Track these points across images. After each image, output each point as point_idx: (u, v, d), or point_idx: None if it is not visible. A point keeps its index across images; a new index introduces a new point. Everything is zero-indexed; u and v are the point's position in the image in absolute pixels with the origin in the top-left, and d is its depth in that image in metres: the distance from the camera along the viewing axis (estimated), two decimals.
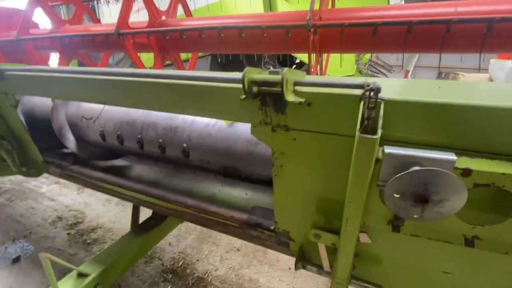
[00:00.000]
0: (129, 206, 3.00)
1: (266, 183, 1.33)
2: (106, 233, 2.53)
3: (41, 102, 2.03)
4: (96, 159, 1.92)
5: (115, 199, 3.09)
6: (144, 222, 2.02)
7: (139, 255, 1.87)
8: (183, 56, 3.01)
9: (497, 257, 0.73)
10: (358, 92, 0.67)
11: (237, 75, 0.78)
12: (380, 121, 0.63)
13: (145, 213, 1.91)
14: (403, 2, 4.47)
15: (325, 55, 2.43)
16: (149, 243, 1.95)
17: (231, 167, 1.33)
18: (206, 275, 2.08)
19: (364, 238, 0.84)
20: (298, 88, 0.75)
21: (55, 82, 1.35)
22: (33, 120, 1.95)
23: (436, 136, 0.64)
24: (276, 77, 0.70)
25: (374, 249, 0.91)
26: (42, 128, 1.88)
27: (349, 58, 4.57)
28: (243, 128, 1.26)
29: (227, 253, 2.32)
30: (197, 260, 2.23)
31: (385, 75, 5.84)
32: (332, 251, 0.94)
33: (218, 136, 1.30)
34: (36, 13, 2.98)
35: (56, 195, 3.17)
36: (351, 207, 0.73)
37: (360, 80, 0.66)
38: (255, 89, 0.75)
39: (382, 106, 0.65)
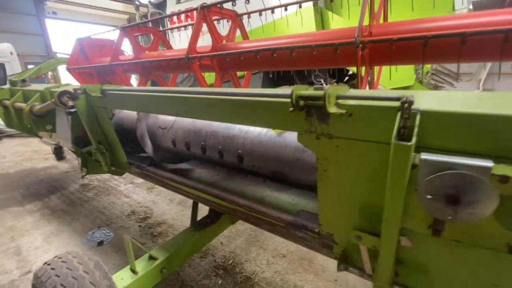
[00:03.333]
0: (188, 206, 3.36)
1: (311, 188, 1.43)
2: (169, 228, 2.88)
3: (128, 115, 2.50)
4: (167, 162, 2.27)
5: (177, 200, 3.50)
6: (201, 219, 2.27)
7: (196, 248, 2.11)
8: (239, 73, 3.33)
9: None
10: (395, 104, 0.75)
11: (286, 91, 0.93)
12: (415, 130, 0.70)
13: (201, 213, 2.15)
14: (471, 7, 4.10)
15: (376, 68, 2.43)
16: (205, 239, 2.18)
17: (279, 172, 1.47)
18: (253, 276, 2.21)
19: (404, 241, 0.88)
20: (340, 101, 0.86)
21: (141, 98, 1.70)
22: (121, 129, 2.41)
23: (473, 144, 0.68)
24: (319, 93, 0.83)
25: (418, 256, 0.93)
26: (126, 136, 2.31)
27: (407, 68, 4.34)
28: (291, 137, 1.40)
29: (273, 257, 2.42)
30: (246, 260, 2.39)
31: (451, 84, 5.31)
32: (374, 255, 0.99)
33: (269, 143, 1.46)
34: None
35: (130, 193, 3.73)
36: (389, 209, 0.80)
37: (397, 93, 0.75)
38: (301, 102, 0.89)
39: (418, 116, 0.72)
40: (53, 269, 1.36)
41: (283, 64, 2.09)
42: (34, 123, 3.09)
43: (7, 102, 3.42)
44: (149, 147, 2.19)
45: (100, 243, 2.65)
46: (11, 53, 9.80)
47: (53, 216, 3.18)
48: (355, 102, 0.84)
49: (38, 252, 2.53)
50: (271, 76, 6.14)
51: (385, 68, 2.72)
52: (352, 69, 5.07)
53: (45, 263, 1.46)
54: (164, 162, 2.28)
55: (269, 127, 1.18)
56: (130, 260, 1.69)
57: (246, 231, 2.80)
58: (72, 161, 5.20)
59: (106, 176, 4.33)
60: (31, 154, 5.66)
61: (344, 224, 1.07)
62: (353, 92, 0.90)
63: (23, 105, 3.08)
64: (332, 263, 2.34)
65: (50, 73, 10.86)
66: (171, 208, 3.31)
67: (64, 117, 2.50)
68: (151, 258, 1.82)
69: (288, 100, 0.91)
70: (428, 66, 4.71)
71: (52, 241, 2.70)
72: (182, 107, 1.47)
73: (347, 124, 0.88)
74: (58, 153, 5.20)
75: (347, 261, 1.15)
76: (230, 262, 2.36)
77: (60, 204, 3.47)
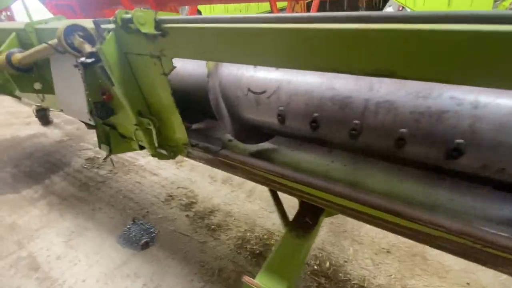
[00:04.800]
0: (237, 186, 2.71)
1: None
2: (227, 217, 2.27)
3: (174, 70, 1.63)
4: (245, 141, 1.54)
5: (219, 177, 2.82)
6: (297, 219, 1.65)
7: (304, 261, 1.55)
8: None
9: None
10: None
11: None
12: None
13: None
14: None
15: None
16: (310, 245, 1.60)
17: None
18: (366, 283, 1.72)
19: None
20: None
21: (246, 38, 0.88)
22: None
23: None
24: None
25: None
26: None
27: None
28: None
29: (377, 255, 1.93)
30: (345, 261, 1.88)
31: None
32: None
33: None
34: None
35: (156, 169, 2.98)
36: None
37: None
38: None
39: None
40: None
41: None
42: (13, 79, 2.10)
43: None
44: (227, 121, 1.43)
45: (145, 245, 2.00)
46: None
47: (65, 206, 2.43)
48: None
49: (63, 263, 1.86)
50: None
51: None
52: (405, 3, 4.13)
53: None
54: (244, 141, 1.55)
55: None
56: None
57: (325, 219, 2.25)
58: (62, 126, 4.20)
59: None
60: (7, 117, 4.53)
61: None
62: None
63: None
64: (451, 259, 1.90)
65: (3, 13, 8.74)
66: (216, 188, 2.65)
67: (73, 72, 1.58)
68: None
69: None
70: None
71: (76, 244, 2.02)
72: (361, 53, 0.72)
73: None
74: (43, 116, 4.15)
75: None
76: (327, 264, 1.84)
77: (69, 188, 2.69)
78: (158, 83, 1.31)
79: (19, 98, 3.14)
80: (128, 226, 2.18)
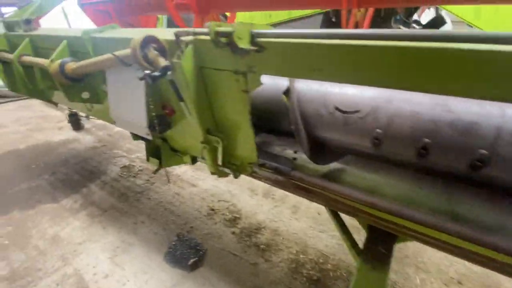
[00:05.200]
0: (279, 200, 2.59)
1: None
2: (276, 236, 2.14)
3: None
4: (321, 162, 1.42)
5: (260, 190, 2.70)
6: (368, 248, 1.50)
7: None
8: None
9: None
10: None
11: None
12: None
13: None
14: None
15: None
16: (387, 277, 1.46)
17: None
18: None
19: None
20: None
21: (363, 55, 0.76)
22: None
23: None
24: None
25: None
26: None
27: None
28: None
29: (447, 286, 1.76)
30: None
31: None
32: None
33: None
34: None
35: (193, 179, 2.90)
36: None
37: None
38: None
39: None
40: None
41: None
42: (63, 88, 2.05)
43: (10, 56, 2.30)
44: (303, 139, 1.32)
45: (194, 266, 1.90)
46: None
47: (106, 218, 2.37)
48: None
49: (111, 283, 1.78)
50: (333, 19, 4.89)
51: None
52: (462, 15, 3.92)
53: None
54: (316, 161, 1.43)
55: None
56: None
57: None
58: (94, 131, 4.20)
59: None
60: (39, 121, 4.58)
61: None
62: None
63: (42, 61, 1.99)
64: None
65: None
66: (258, 202, 2.53)
67: (133, 85, 1.51)
68: None
69: None
70: None
71: (122, 261, 1.94)
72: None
73: None
74: (75, 121, 4.16)
75: None
76: None
77: (108, 198, 2.63)
78: (235, 100, 1.20)
79: (55, 104, 3.12)
80: (174, 243, 2.08)
